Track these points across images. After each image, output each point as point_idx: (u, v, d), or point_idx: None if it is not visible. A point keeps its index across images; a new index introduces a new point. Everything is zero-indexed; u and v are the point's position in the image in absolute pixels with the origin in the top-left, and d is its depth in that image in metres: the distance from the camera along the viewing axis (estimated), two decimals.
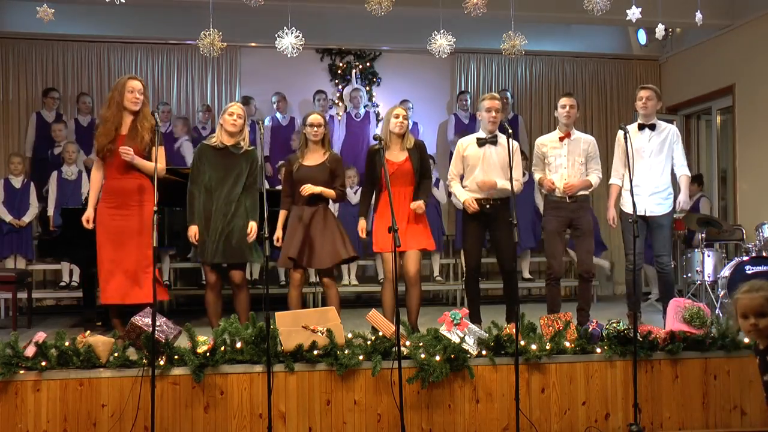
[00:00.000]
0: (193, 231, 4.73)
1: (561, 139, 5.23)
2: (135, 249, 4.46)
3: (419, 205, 4.89)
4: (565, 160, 5.19)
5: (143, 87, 4.56)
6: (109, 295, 4.47)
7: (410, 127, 7.46)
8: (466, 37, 7.18)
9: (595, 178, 5.26)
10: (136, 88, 4.52)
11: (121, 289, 4.44)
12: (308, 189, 4.78)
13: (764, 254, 6.14)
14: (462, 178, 5.24)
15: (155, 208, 3.76)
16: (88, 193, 4.77)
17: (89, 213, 4.57)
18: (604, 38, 8.90)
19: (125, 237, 4.47)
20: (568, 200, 5.16)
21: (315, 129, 4.87)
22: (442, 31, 5.84)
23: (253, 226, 4.73)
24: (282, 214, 4.93)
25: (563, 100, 5.28)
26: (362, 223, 5.03)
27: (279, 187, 6.73)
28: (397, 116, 4.95)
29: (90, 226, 4.54)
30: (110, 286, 4.46)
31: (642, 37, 8.77)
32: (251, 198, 4.77)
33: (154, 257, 3.86)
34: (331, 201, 5.02)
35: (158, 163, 4.28)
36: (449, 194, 7.51)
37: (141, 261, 4.46)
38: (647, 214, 5.20)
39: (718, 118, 8.24)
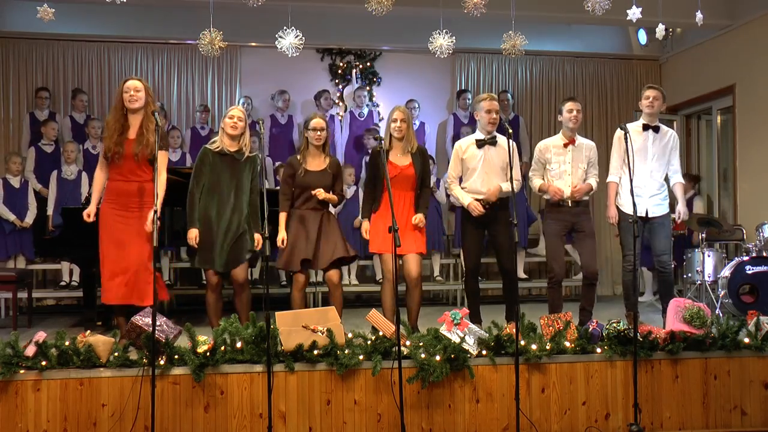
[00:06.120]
0: (194, 234, 4.69)
1: (565, 145, 5.17)
2: (136, 250, 4.46)
3: (421, 219, 4.96)
4: (569, 167, 5.14)
5: (143, 86, 4.55)
6: (112, 295, 4.46)
7: (416, 128, 7.55)
8: (466, 37, 7.18)
9: (593, 182, 5.23)
10: (131, 87, 4.51)
11: (122, 289, 4.44)
12: (322, 195, 4.80)
13: (764, 254, 6.14)
14: (461, 180, 5.22)
15: (155, 209, 3.76)
16: (88, 193, 4.77)
17: (91, 208, 4.55)
18: (605, 38, 8.89)
19: (127, 238, 4.47)
20: (569, 204, 5.14)
21: (318, 133, 4.84)
22: (442, 31, 5.84)
23: (259, 238, 4.75)
24: (283, 216, 4.88)
25: (570, 105, 5.15)
26: (366, 225, 5.02)
27: (279, 188, 6.77)
28: (395, 120, 4.94)
29: (91, 219, 4.54)
30: (112, 287, 4.45)
31: (642, 37, 8.76)
32: (254, 207, 4.77)
33: (155, 258, 3.87)
34: (331, 204, 5.03)
35: (161, 165, 4.33)
36: (449, 195, 7.51)
37: (142, 262, 4.46)
38: (649, 216, 5.20)
39: (719, 118, 8.24)
